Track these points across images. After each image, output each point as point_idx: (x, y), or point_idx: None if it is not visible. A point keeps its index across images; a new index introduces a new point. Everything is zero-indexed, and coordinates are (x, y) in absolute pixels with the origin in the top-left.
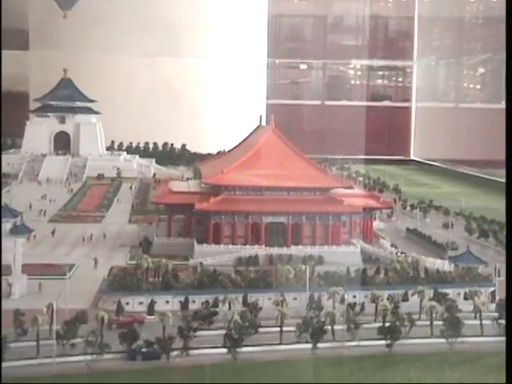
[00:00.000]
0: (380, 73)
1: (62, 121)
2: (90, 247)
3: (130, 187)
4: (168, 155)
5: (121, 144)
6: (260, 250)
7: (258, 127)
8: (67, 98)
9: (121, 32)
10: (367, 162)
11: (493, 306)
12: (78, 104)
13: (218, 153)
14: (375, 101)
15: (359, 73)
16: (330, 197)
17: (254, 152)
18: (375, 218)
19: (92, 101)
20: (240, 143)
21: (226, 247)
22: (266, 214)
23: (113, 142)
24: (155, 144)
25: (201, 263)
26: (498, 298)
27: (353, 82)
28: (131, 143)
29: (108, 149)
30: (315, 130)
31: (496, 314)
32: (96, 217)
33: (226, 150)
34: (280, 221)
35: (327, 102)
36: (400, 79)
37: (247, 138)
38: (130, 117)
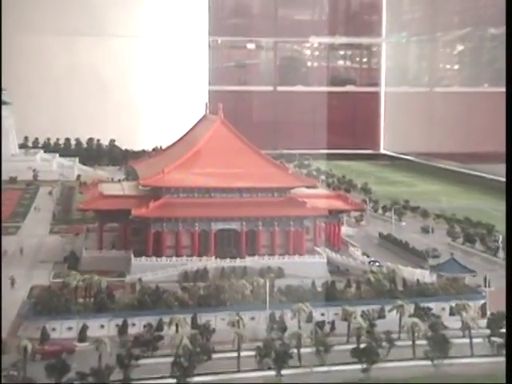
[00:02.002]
0: (342, 52)
1: None
2: (3, 264)
3: (50, 192)
4: (94, 153)
5: (36, 140)
6: (209, 263)
7: (202, 118)
8: None
9: (33, 7)
10: (330, 157)
11: (483, 322)
12: None
13: (153, 149)
14: (337, 86)
15: (317, 53)
16: (290, 198)
17: (199, 147)
18: (343, 223)
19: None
20: (182, 137)
21: (169, 260)
22: (216, 220)
23: (26, 138)
24: (78, 140)
25: (140, 279)
26: (489, 312)
27: (310, 63)
28: (49, 139)
29: (21, 146)
30: (267, 121)
31: (488, 331)
32: (9, 228)
33: (163, 145)
34: (232, 227)
35: (280, 88)
36: (365, 60)
37: (190, 131)
38: (46, 108)
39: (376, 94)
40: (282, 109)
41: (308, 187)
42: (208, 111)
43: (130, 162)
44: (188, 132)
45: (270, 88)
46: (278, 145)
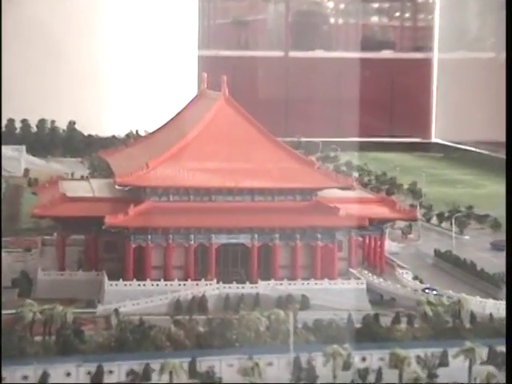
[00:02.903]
0: (376, 5)
1: None
2: None
3: None
4: (47, 140)
5: None
6: (209, 289)
7: (199, 95)
8: None
9: None
10: (364, 147)
11: None
12: None
13: (127, 135)
14: (370, 51)
15: (343, 5)
16: (317, 203)
17: (195, 134)
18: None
19: None
20: (171, 120)
21: (156, 285)
22: (218, 232)
23: None
24: (25, 122)
25: (116, 311)
26: None
27: (333, 20)
28: None
29: None
30: (276, 99)
31: None
32: None
33: (140, 130)
34: (240, 241)
35: (293, 53)
36: (410, 15)
37: (182, 112)
38: None
39: (425, 63)
40: (297, 82)
41: (342, 188)
42: (196, 85)
43: (99, 152)
44: (179, 113)
45: (281, 53)
46: (292, 130)
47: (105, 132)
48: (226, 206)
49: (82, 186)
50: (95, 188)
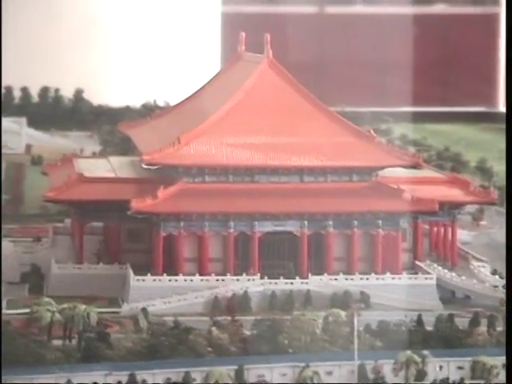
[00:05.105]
0: None
1: None
2: None
3: None
4: (50, 111)
5: None
6: (252, 284)
7: (236, 58)
8: None
9: None
10: (420, 117)
11: None
12: None
13: (144, 106)
14: (422, 4)
15: None
16: (378, 184)
17: (234, 104)
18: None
19: None
20: (204, 87)
21: (190, 280)
22: (262, 218)
23: None
24: (25, 90)
25: (144, 310)
26: None
27: None
28: None
29: None
30: (311, 62)
31: None
32: None
33: (158, 100)
34: (287, 229)
35: (330, 9)
36: None
37: (216, 78)
38: None
39: (491, 18)
40: (334, 42)
41: (406, 167)
42: (219, 46)
43: (119, 125)
44: (213, 79)
45: (314, 9)
46: (331, 99)
47: (117, 102)
48: (270, 188)
49: (100, 165)
50: (116, 167)
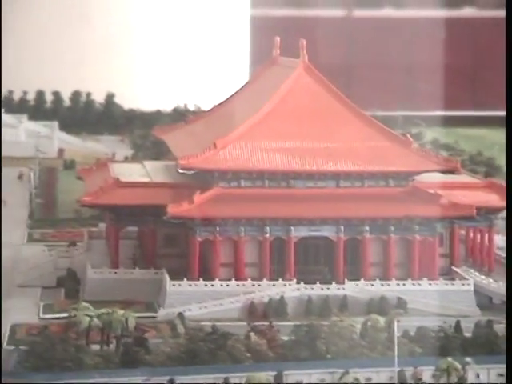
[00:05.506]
0: None
1: None
2: None
3: (20, 176)
4: (81, 115)
5: None
6: (288, 289)
7: (271, 62)
8: None
9: None
10: (451, 121)
11: None
12: None
13: (175, 110)
14: (451, 7)
15: None
16: (414, 189)
17: (270, 108)
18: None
19: None
20: (238, 92)
21: (226, 285)
22: (298, 223)
23: None
24: (57, 94)
25: (181, 315)
26: None
27: None
28: (10, 92)
29: None
30: (339, 65)
31: None
32: None
33: (189, 104)
34: (323, 235)
35: (358, 12)
36: None
37: (250, 82)
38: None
39: None
40: (363, 46)
41: (444, 172)
42: (248, 50)
43: (153, 129)
44: (248, 84)
45: (343, 12)
46: (361, 103)
47: (148, 106)
48: (306, 193)
49: (135, 170)
50: (151, 171)
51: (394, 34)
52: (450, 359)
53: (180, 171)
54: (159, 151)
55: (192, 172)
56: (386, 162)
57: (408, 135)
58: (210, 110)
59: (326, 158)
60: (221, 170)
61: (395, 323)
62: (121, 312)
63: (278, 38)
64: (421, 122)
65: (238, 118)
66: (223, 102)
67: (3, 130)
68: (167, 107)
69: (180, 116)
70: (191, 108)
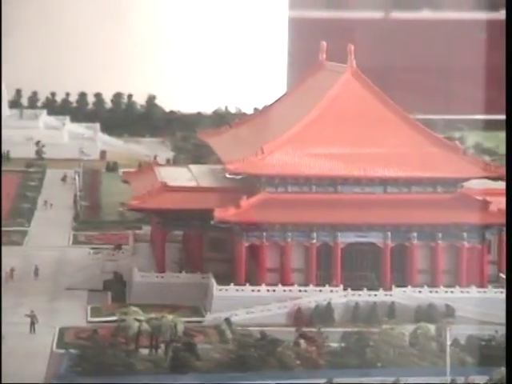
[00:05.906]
0: None
1: None
2: (12, 292)
3: (63, 178)
4: (122, 116)
5: (34, 96)
6: (335, 295)
7: (317, 66)
8: None
9: None
10: (493, 125)
11: None
12: None
13: (215, 112)
14: (488, 10)
15: None
16: (463, 195)
17: (318, 113)
18: None
19: None
20: (284, 96)
21: (273, 290)
22: (344, 229)
23: (19, 91)
24: (98, 96)
25: (228, 320)
26: None
27: None
28: (53, 94)
29: (12, 105)
30: (375, 67)
31: None
32: (11, 234)
33: (230, 106)
34: (370, 241)
35: (396, 14)
36: None
37: (296, 87)
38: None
39: None
40: (400, 48)
41: (493, 179)
42: (286, 51)
43: (198, 133)
44: (294, 88)
45: (381, 14)
46: (404, 106)
47: (189, 108)
48: (353, 199)
49: (182, 174)
50: (197, 175)
51: (432, 36)
52: (503, 369)
53: (227, 176)
54: (200, 154)
55: (239, 177)
56: (434, 168)
57: (457, 142)
58: (255, 114)
59: (373, 164)
60: (268, 175)
61: (447, 332)
62: (170, 317)
63: (324, 43)
64: (462, 125)
65: (284, 122)
66: (269, 106)
67: (47, 132)
68: (208, 109)
69: (220, 118)
70: (232, 110)
